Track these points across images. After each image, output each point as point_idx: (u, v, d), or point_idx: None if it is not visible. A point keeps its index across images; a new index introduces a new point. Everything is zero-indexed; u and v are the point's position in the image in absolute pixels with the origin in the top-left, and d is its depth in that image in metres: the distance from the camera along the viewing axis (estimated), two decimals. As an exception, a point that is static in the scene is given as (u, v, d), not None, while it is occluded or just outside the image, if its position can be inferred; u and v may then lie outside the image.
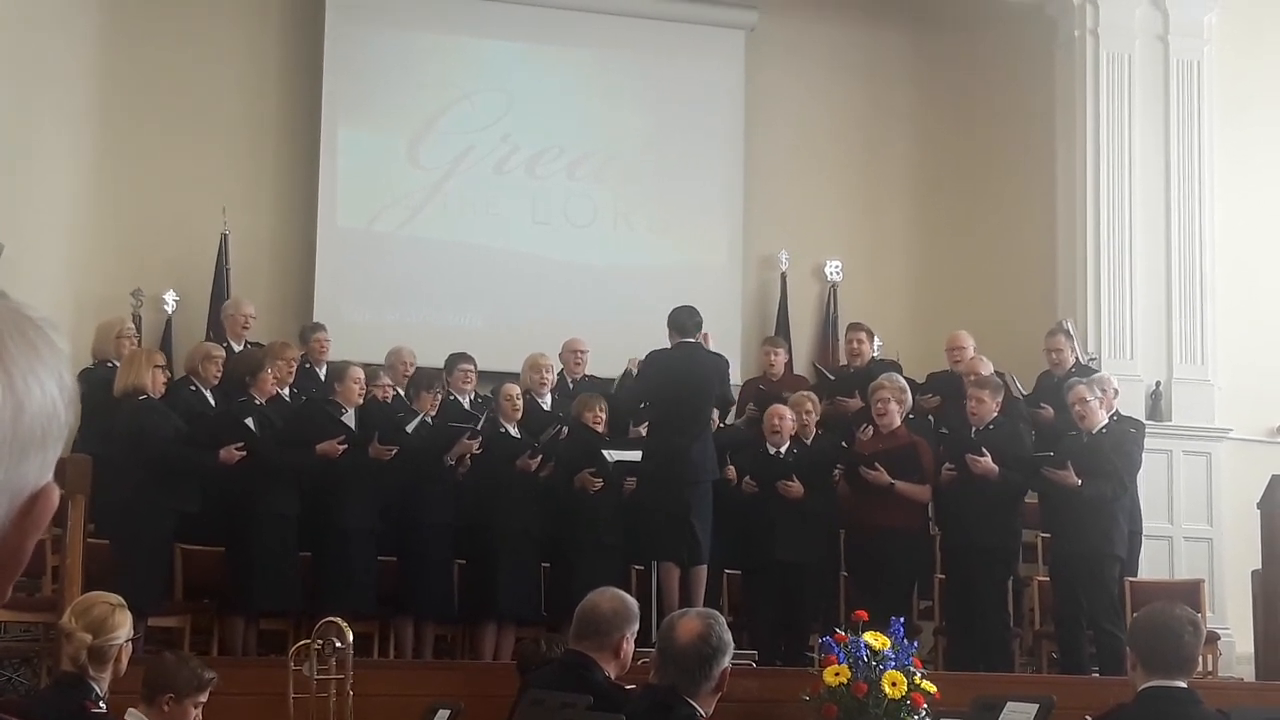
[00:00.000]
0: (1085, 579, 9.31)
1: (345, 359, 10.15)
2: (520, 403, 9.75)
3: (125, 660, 4.91)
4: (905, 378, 10.43)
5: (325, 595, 8.79)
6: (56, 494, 1.14)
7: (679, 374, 9.11)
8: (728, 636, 4.38)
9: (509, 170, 13.08)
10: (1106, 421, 9.57)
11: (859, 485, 9.54)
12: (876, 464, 9.44)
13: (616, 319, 12.35)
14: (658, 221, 13.28)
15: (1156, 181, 12.13)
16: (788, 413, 9.83)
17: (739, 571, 9.88)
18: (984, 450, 9.36)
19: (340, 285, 12.54)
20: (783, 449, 9.76)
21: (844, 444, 10.03)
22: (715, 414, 9.71)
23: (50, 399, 1.12)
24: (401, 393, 10.18)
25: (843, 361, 11.85)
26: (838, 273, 13.47)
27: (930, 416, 10.72)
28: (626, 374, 10.71)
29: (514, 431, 9.62)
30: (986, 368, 10.29)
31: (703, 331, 9.34)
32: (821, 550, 9.69)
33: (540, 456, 9.45)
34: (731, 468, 9.70)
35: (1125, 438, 9.68)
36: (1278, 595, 9.70)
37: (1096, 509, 9.28)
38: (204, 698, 5.09)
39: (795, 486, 9.52)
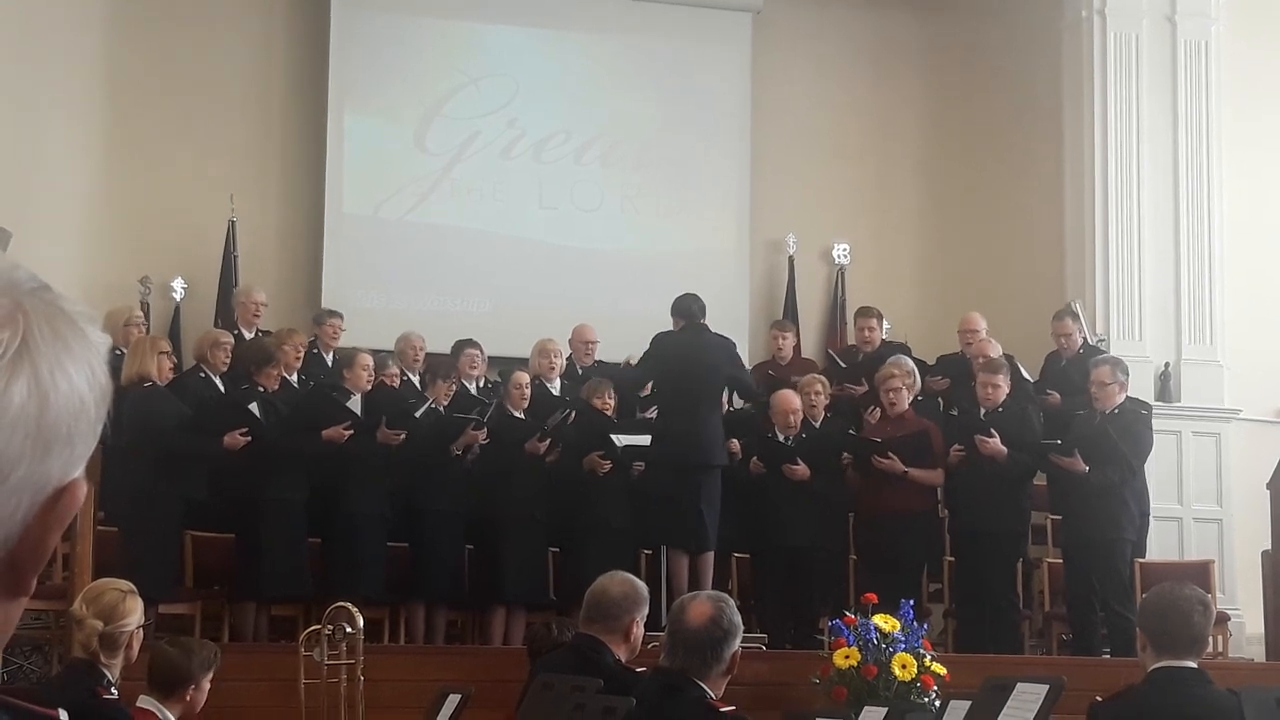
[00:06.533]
0: (1096, 564, 9.30)
1: (353, 345, 10.16)
2: (528, 391, 9.73)
3: (136, 647, 4.92)
4: (914, 358, 10.42)
5: (335, 581, 8.79)
6: (83, 490, 1.11)
7: (686, 357, 9.06)
8: (738, 619, 4.38)
9: (516, 155, 13.05)
10: (1118, 404, 9.56)
11: (869, 473, 9.49)
12: (890, 453, 9.39)
13: (624, 303, 12.33)
14: (665, 206, 13.26)
15: (1164, 162, 12.08)
16: (798, 402, 9.77)
17: (747, 555, 9.87)
18: (993, 432, 9.35)
19: (347, 271, 12.54)
20: (790, 435, 9.72)
21: (852, 430, 9.96)
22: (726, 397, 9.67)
23: (78, 394, 1.09)
24: (412, 378, 10.18)
25: (851, 344, 11.84)
26: (845, 256, 13.45)
27: (939, 398, 10.71)
28: (625, 364, 10.69)
29: (520, 415, 9.60)
30: (995, 350, 10.27)
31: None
32: (830, 534, 9.66)
33: (548, 440, 9.44)
34: (735, 441, 9.67)
35: (1134, 420, 9.65)
36: (1288, 576, 9.68)
37: (1105, 494, 9.27)
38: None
39: (800, 469, 9.48)
